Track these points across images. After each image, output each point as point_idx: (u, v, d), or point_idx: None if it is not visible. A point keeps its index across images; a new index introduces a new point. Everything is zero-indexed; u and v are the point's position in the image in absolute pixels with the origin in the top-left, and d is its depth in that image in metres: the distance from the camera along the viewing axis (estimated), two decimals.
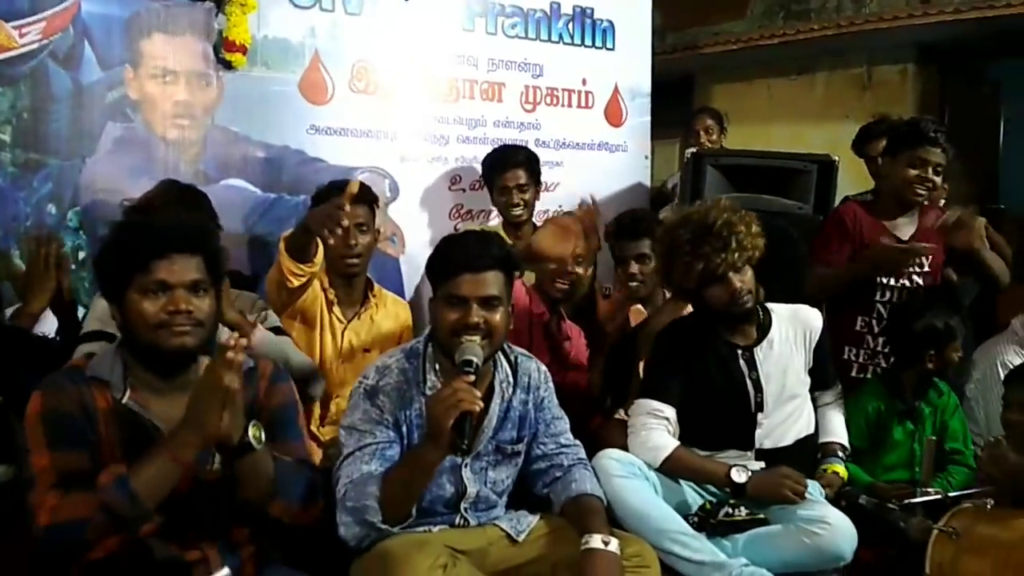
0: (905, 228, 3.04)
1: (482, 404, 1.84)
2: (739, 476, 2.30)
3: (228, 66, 3.07)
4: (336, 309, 2.80)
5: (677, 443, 2.39)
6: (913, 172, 2.93)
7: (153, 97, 2.99)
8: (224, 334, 2.04)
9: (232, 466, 1.69)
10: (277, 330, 2.54)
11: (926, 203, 3.03)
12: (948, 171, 2.99)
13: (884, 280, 2.99)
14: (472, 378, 1.87)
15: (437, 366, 2.08)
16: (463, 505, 2.08)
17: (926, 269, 2.99)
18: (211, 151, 3.08)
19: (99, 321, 2.30)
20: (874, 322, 3.01)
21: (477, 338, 1.96)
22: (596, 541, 1.94)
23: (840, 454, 2.56)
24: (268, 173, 3.18)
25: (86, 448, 1.65)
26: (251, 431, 1.68)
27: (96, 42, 2.90)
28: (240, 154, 3.13)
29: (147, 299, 1.69)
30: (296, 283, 2.58)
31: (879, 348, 3.01)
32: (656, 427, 2.40)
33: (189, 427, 1.61)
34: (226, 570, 1.48)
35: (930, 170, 2.92)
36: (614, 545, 1.95)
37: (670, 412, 2.43)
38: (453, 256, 2.04)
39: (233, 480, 1.70)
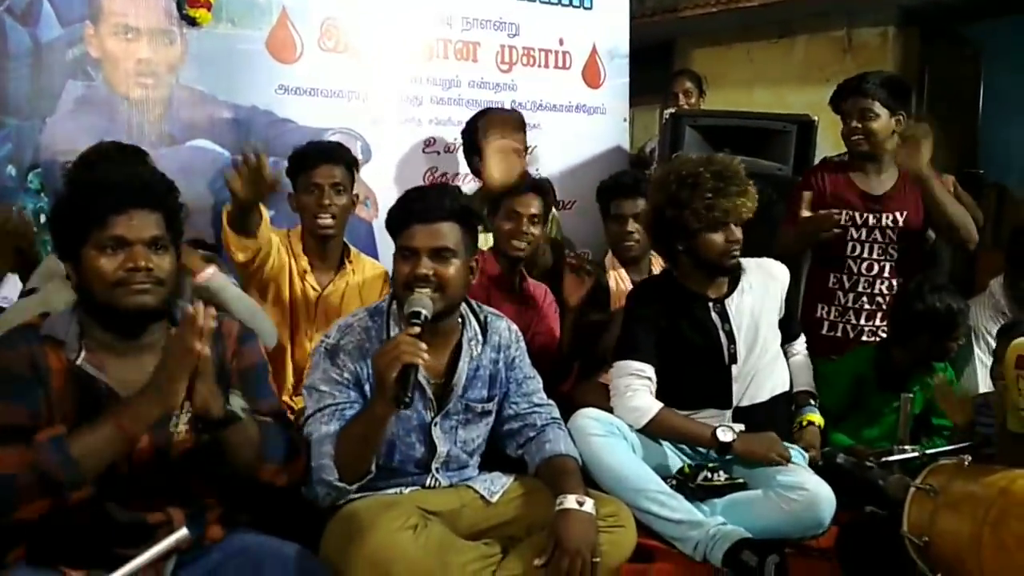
0: (879, 183, 3.02)
1: (426, 357, 1.77)
2: (725, 435, 2.30)
3: (192, 23, 2.98)
4: (309, 277, 2.72)
5: (661, 405, 2.37)
6: (844, 127, 3.01)
7: (115, 55, 2.90)
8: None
9: (216, 438, 1.65)
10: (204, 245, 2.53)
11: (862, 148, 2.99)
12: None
13: (855, 235, 2.98)
14: (417, 330, 1.82)
15: (401, 323, 2.03)
16: (434, 465, 2.06)
17: (900, 225, 2.96)
18: (176, 111, 3.00)
19: (40, 277, 2.24)
20: (845, 278, 3.01)
21: (428, 290, 1.93)
22: (571, 501, 1.93)
23: (812, 402, 2.58)
24: (236, 134, 3.09)
25: (31, 405, 1.59)
26: (236, 402, 1.65)
27: None
28: (206, 114, 3.05)
29: (104, 256, 1.63)
30: (242, 257, 2.51)
31: (850, 305, 3.01)
32: (640, 388, 2.38)
33: (149, 398, 1.56)
34: (184, 531, 1.43)
35: (855, 119, 2.95)
36: (589, 505, 1.93)
37: (651, 371, 2.41)
38: (407, 207, 2.01)
39: (214, 450, 1.66)
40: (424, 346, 1.78)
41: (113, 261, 1.63)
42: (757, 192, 2.42)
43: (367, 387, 1.98)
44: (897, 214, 2.96)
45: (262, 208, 2.47)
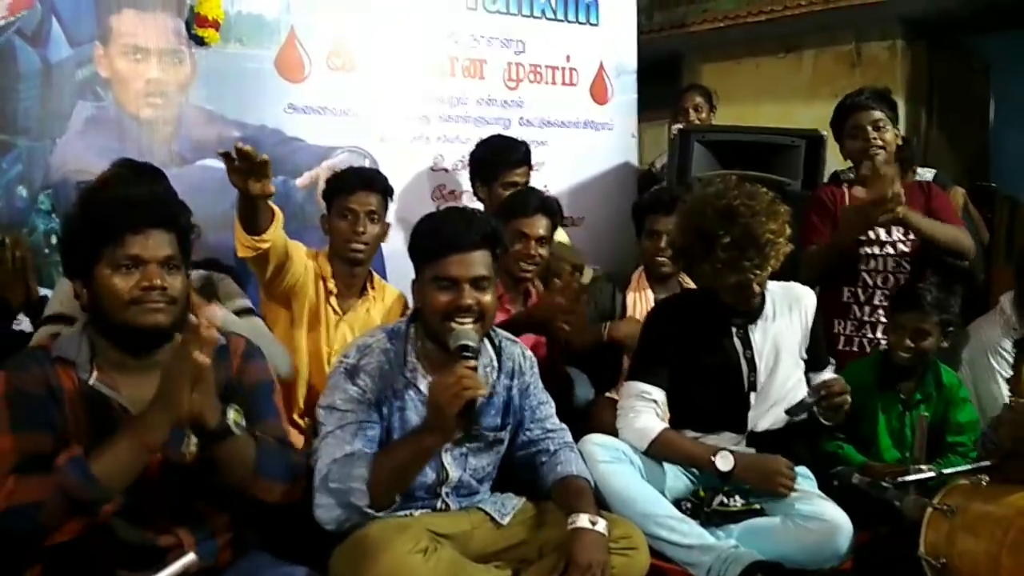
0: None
1: (486, 390, 1.78)
2: (723, 464, 2.25)
3: (201, 42, 2.99)
4: (333, 300, 2.70)
5: (664, 425, 2.34)
6: (855, 142, 2.99)
7: (124, 75, 2.91)
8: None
9: (209, 450, 1.63)
10: (247, 311, 2.48)
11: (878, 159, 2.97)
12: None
13: (868, 249, 2.97)
14: (473, 363, 1.82)
15: (420, 347, 2.03)
16: (444, 490, 2.04)
17: (910, 236, 2.94)
18: (185, 131, 3.01)
19: (60, 304, 2.23)
20: (860, 292, 2.99)
21: (469, 321, 1.91)
22: (583, 521, 1.91)
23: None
24: None
25: (51, 430, 1.59)
26: (231, 415, 1.63)
27: (64, 18, 2.83)
28: (215, 133, 3.05)
29: (118, 274, 1.63)
30: (244, 254, 2.47)
31: (866, 318, 2.99)
32: (644, 410, 2.35)
33: (158, 408, 1.55)
34: (192, 556, 1.42)
35: (870, 129, 2.95)
36: (601, 526, 1.92)
37: (659, 394, 2.38)
38: (440, 235, 1.97)
39: (211, 463, 1.64)
40: (482, 378, 1.78)
41: (128, 280, 1.63)
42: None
43: (384, 409, 1.97)
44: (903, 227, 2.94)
45: (275, 209, 2.44)
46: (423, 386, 1.98)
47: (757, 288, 2.29)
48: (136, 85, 2.92)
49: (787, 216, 2.26)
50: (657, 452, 2.33)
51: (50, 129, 2.81)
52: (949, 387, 2.67)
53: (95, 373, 1.65)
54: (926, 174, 3.59)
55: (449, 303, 1.92)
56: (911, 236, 2.94)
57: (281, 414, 1.89)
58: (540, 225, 2.84)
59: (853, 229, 2.89)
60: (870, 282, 2.97)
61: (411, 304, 2.48)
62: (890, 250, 2.96)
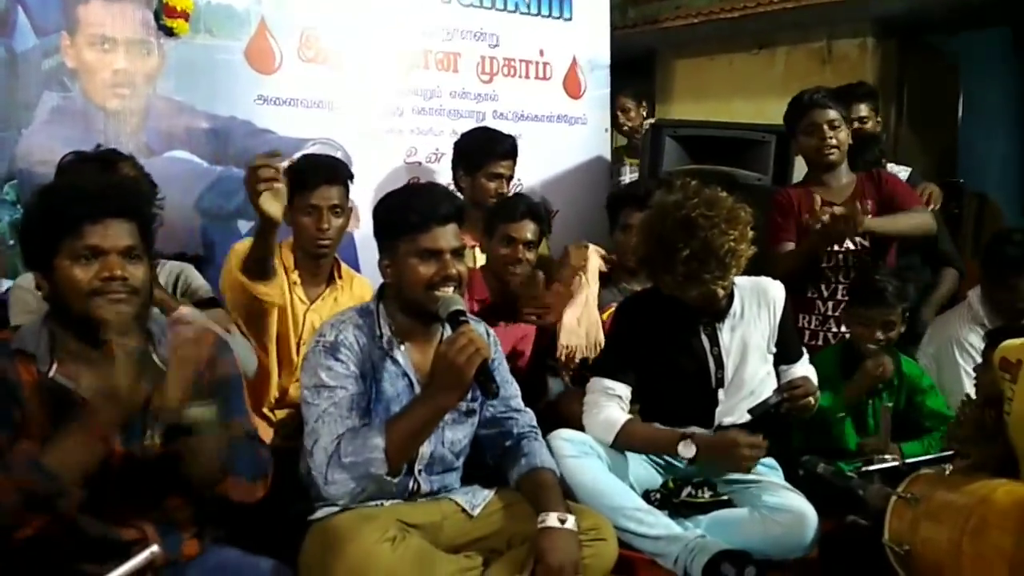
0: (839, 192, 3.06)
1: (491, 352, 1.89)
2: (686, 451, 2.26)
3: (170, 33, 2.96)
4: (298, 290, 2.69)
5: (628, 416, 2.36)
6: (811, 140, 3.05)
7: (91, 65, 2.88)
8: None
9: (177, 443, 1.62)
10: (209, 302, 2.46)
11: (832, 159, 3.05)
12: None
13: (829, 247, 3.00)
14: (472, 325, 1.90)
15: (392, 321, 2.06)
16: (417, 466, 2.05)
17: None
18: (153, 122, 2.97)
19: (25, 314, 2.20)
20: (823, 287, 3.03)
21: (451, 289, 1.97)
22: (552, 520, 1.93)
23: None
24: (214, 144, 3.07)
25: (5, 427, 1.57)
26: (200, 411, 1.61)
27: (30, 8, 2.79)
28: (184, 125, 3.03)
29: (78, 265, 1.61)
30: (234, 297, 2.45)
31: (829, 313, 3.03)
32: (607, 405, 2.37)
33: (110, 394, 1.53)
34: (156, 547, 1.41)
35: (825, 128, 3.00)
36: (571, 522, 1.93)
37: (623, 390, 2.40)
38: (420, 209, 2.01)
39: (176, 456, 1.63)
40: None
41: (88, 271, 1.61)
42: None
43: (367, 381, 2.00)
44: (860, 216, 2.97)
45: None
46: (399, 357, 2.04)
47: (722, 292, 2.29)
48: (103, 75, 2.89)
49: (749, 219, 2.26)
50: (623, 443, 2.35)
51: (16, 119, 2.77)
52: (910, 376, 2.72)
53: (55, 365, 1.63)
54: (900, 172, 3.62)
55: (435, 273, 1.98)
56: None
57: (249, 410, 1.89)
58: (528, 229, 2.84)
59: (822, 247, 2.94)
60: (832, 278, 3.02)
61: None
62: (849, 245, 3.00)
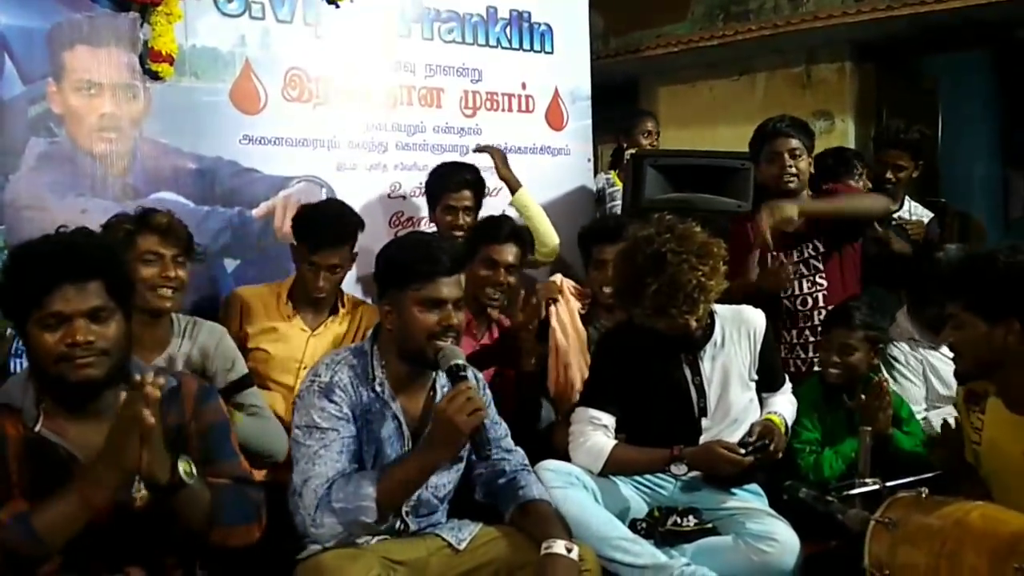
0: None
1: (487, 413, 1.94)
2: (678, 469, 2.33)
3: (155, 77, 2.99)
4: (297, 319, 2.77)
5: (614, 442, 2.39)
6: (772, 167, 3.06)
7: (78, 111, 2.91)
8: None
9: (165, 502, 1.63)
10: (245, 380, 2.50)
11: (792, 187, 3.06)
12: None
13: (783, 274, 3.02)
14: (473, 383, 1.95)
15: (385, 365, 2.09)
16: (404, 508, 2.07)
17: (821, 251, 3.03)
18: (140, 164, 3.00)
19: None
20: (785, 318, 3.05)
21: (450, 340, 2.01)
22: (559, 547, 1.95)
23: (780, 414, 2.50)
24: (200, 185, 3.11)
25: None
26: (181, 467, 1.61)
27: (16, 55, 2.81)
28: (170, 166, 3.06)
29: (46, 332, 1.61)
30: None
31: (795, 340, 3.06)
32: (593, 433, 2.41)
33: (104, 465, 1.54)
34: None
35: (786, 157, 3.02)
36: (575, 553, 1.95)
37: (608, 420, 2.43)
38: (427, 258, 2.05)
39: (167, 513, 1.64)
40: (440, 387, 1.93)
41: (54, 336, 1.60)
42: (717, 232, 2.41)
43: (358, 424, 2.03)
44: (815, 241, 3.03)
45: None
46: (390, 400, 2.06)
47: (695, 324, 2.32)
48: (90, 120, 2.92)
49: (723, 254, 2.31)
50: (612, 468, 2.38)
51: (3, 166, 2.79)
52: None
53: (42, 420, 1.64)
54: (924, 217, 3.63)
55: (437, 323, 2.01)
56: (820, 250, 3.04)
57: (239, 454, 1.88)
58: (511, 252, 2.88)
59: (765, 288, 2.97)
60: (790, 306, 3.05)
61: None
62: (803, 268, 3.05)
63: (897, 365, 2.85)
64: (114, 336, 1.66)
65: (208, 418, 1.82)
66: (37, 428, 1.63)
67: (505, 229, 2.94)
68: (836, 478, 2.54)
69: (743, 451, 2.30)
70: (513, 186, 3.44)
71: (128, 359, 1.73)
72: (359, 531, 1.93)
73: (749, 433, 2.35)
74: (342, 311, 2.84)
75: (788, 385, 2.67)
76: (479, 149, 3.48)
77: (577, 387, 2.94)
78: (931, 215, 3.76)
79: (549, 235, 3.45)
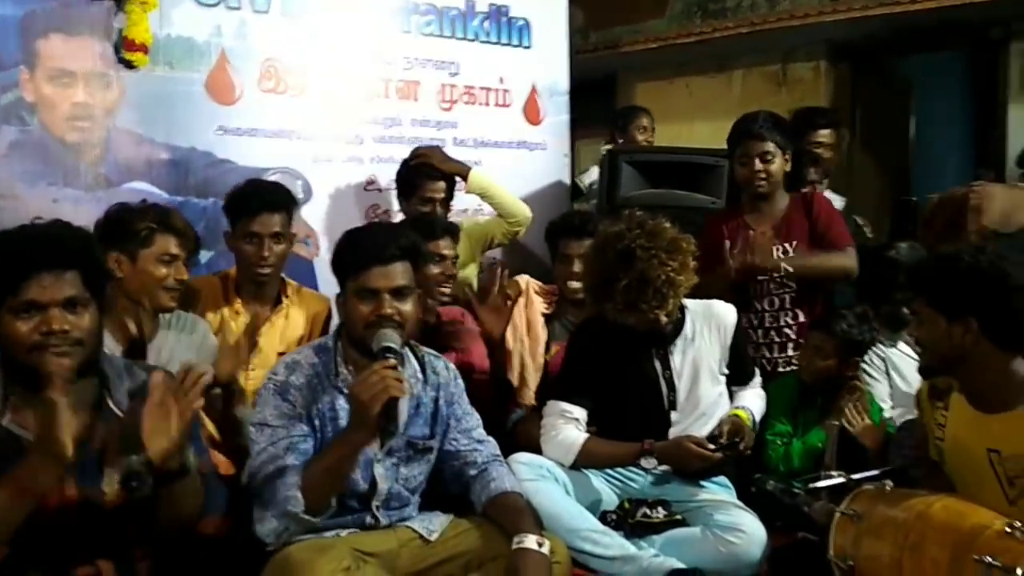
0: (770, 220, 3.08)
1: (407, 389, 1.88)
2: (648, 463, 2.37)
3: (129, 66, 2.97)
4: (242, 318, 2.71)
5: (586, 435, 2.41)
6: (743, 169, 3.06)
7: (50, 99, 2.88)
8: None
9: (167, 488, 1.63)
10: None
11: (761, 190, 3.07)
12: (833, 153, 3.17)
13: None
14: (394, 362, 1.89)
15: (348, 358, 2.08)
16: (374, 503, 2.07)
17: (791, 254, 3.03)
18: (113, 154, 2.98)
19: None
20: (752, 317, 3.06)
21: (390, 329, 1.98)
22: (530, 541, 1.95)
23: (747, 408, 2.53)
24: (174, 175, 3.09)
25: None
26: (190, 455, 1.64)
27: None
28: (144, 156, 3.03)
29: (19, 320, 1.60)
30: None
31: (761, 340, 3.07)
32: (565, 427, 2.43)
33: (38, 453, 1.53)
34: None
35: (756, 162, 3.01)
36: (547, 548, 1.96)
37: (580, 413, 2.45)
38: (361, 249, 2.05)
39: (152, 503, 1.64)
40: (404, 378, 1.87)
41: (28, 324, 1.60)
42: (691, 227, 2.44)
43: (316, 422, 2.02)
44: (787, 245, 3.03)
45: None
46: None
47: (665, 319, 2.34)
48: (62, 109, 2.89)
49: (692, 249, 2.34)
50: (584, 462, 2.40)
51: None
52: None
53: (9, 414, 1.63)
54: (836, 201, 3.68)
55: (371, 312, 2.00)
56: (791, 254, 3.02)
57: (207, 449, 1.91)
58: (447, 246, 2.89)
59: (736, 278, 2.98)
60: (758, 307, 3.06)
61: (335, 315, 2.51)
62: (774, 273, 3.04)
63: (863, 364, 2.89)
64: (88, 327, 1.65)
65: None
66: (4, 422, 1.62)
67: (437, 225, 2.95)
68: (804, 470, 2.58)
69: (712, 447, 2.33)
70: (463, 173, 3.40)
71: (100, 351, 1.72)
72: (293, 524, 1.90)
73: (718, 430, 2.38)
74: (285, 301, 2.79)
75: (758, 379, 2.70)
76: (414, 157, 3.37)
77: (528, 385, 2.97)
78: (843, 200, 3.79)
79: (515, 206, 3.47)
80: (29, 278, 1.60)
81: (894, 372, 2.90)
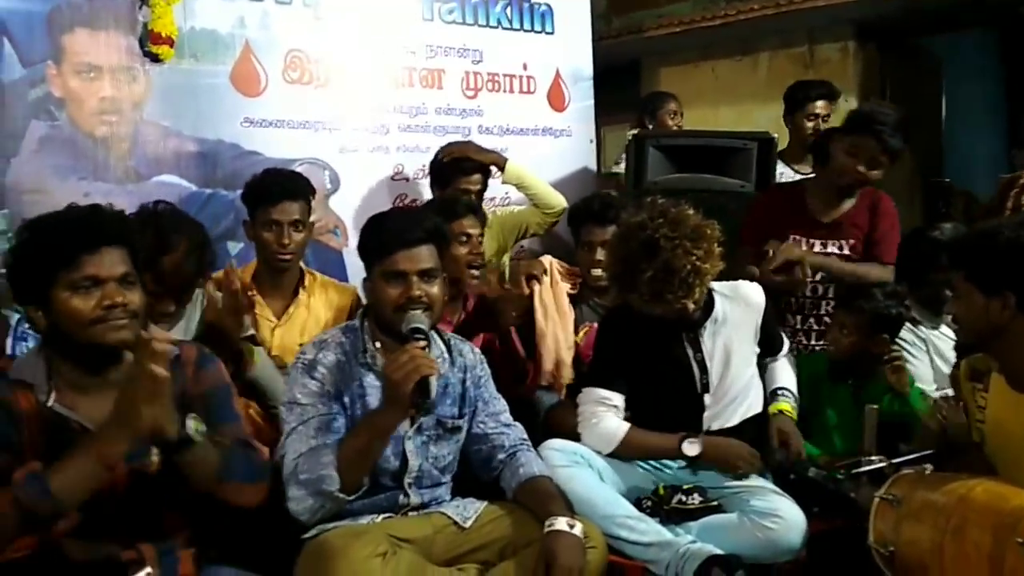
0: (833, 211, 2.99)
1: (438, 369, 1.90)
2: (691, 450, 2.34)
3: (155, 59, 2.98)
4: (264, 310, 2.71)
5: (628, 425, 2.39)
6: (848, 159, 2.87)
7: (78, 94, 2.89)
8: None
9: (172, 460, 1.65)
10: (252, 338, 2.46)
11: (852, 189, 2.98)
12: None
13: None
14: (424, 343, 1.92)
15: (376, 341, 2.10)
16: (406, 480, 2.09)
17: (845, 252, 2.98)
18: (141, 147, 2.99)
19: None
20: (793, 301, 3.03)
21: (419, 311, 2.00)
22: (561, 524, 1.96)
23: (783, 393, 2.56)
24: (202, 168, 3.10)
25: (8, 449, 1.60)
26: (191, 425, 1.64)
27: (16, 39, 2.80)
28: (172, 149, 3.05)
29: (78, 296, 1.63)
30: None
31: (799, 327, 3.05)
32: (605, 414, 2.40)
33: (116, 424, 1.55)
34: (149, 569, 1.43)
35: (866, 164, 2.84)
36: (578, 529, 1.97)
37: (618, 399, 2.43)
38: (387, 233, 2.07)
39: (174, 473, 1.66)
40: (433, 358, 1.90)
41: (88, 300, 1.63)
42: (720, 212, 2.43)
43: (346, 399, 2.04)
44: (843, 243, 2.97)
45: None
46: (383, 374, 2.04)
47: (692, 306, 2.31)
48: (90, 103, 2.91)
49: (716, 236, 2.29)
50: (625, 452, 2.39)
51: (4, 149, 2.78)
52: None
53: (53, 395, 1.66)
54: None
55: (400, 295, 2.02)
56: (844, 251, 2.97)
57: (241, 417, 1.91)
58: (472, 225, 2.86)
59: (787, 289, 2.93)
60: (801, 292, 3.01)
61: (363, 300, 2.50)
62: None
63: (904, 345, 2.86)
64: (139, 303, 1.70)
65: (209, 382, 1.84)
66: (49, 403, 1.65)
67: (460, 204, 2.92)
68: (841, 454, 2.55)
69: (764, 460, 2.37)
70: (499, 163, 3.41)
71: (146, 328, 1.75)
72: (328, 503, 1.92)
73: (777, 448, 2.43)
74: (303, 293, 2.79)
75: (787, 344, 2.71)
76: (447, 155, 3.33)
77: (567, 364, 2.94)
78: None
79: (551, 196, 3.44)
80: (89, 252, 1.64)
81: (936, 355, 2.86)
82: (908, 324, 2.91)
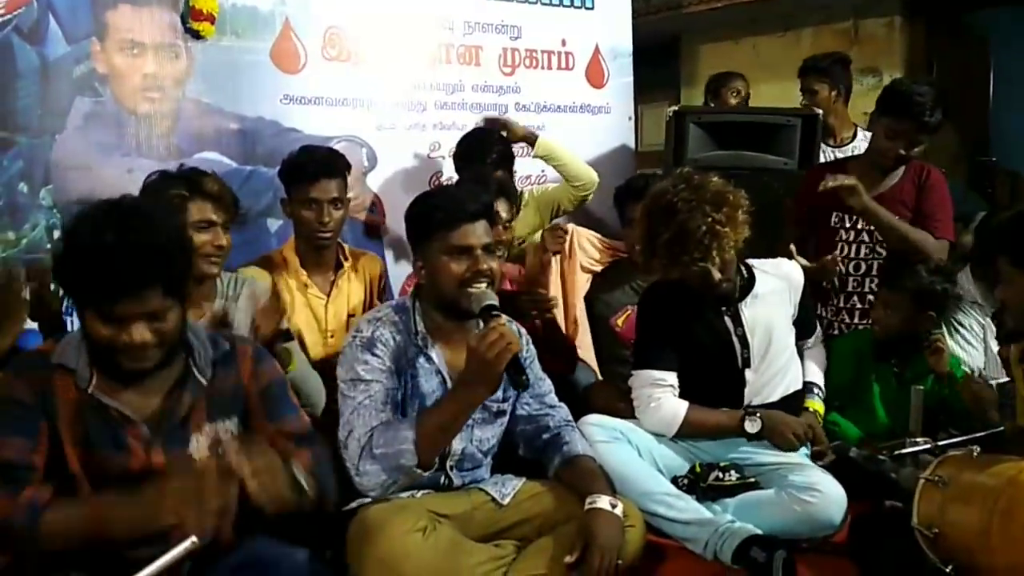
0: (875, 187, 2.93)
1: (521, 346, 1.93)
2: (752, 427, 2.33)
3: (197, 36, 2.99)
4: (312, 289, 2.73)
5: (687, 404, 2.37)
6: (887, 142, 2.87)
7: (121, 70, 2.91)
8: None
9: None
10: (287, 333, 2.44)
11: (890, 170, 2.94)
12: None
13: (844, 236, 2.99)
14: (504, 320, 1.92)
15: (427, 319, 2.10)
16: (448, 462, 2.09)
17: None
18: (183, 124, 3.01)
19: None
20: (836, 280, 2.99)
21: (483, 285, 2.00)
22: (603, 502, 1.97)
23: (815, 391, 2.58)
24: (243, 145, 3.11)
25: (28, 435, 1.59)
26: (298, 473, 1.60)
27: (61, 15, 2.82)
28: (213, 126, 3.06)
29: (105, 326, 1.59)
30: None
31: (842, 305, 3.02)
32: (663, 395, 2.39)
33: (133, 504, 1.54)
34: (193, 538, 1.44)
35: (904, 145, 2.83)
36: (619, 509, 1.97)
37: (672, 378, 2.42)
38: (449, 207, 2.06)
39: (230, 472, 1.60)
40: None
41: (109, 329, 1.59)
42: (763, 189, 2.41)
43: (401, 377, 2.05)
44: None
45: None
46: (433, 354, 2.07)
47: (718, 275, 2.28)
48: (133, 80, 2.93)
49: (740, 203, 2.26)
50: (687, 432, 2.38)
51: (49, 125, 2.81)
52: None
53: (95, 381, 1.65)
54: None
55: (467, 270, 2.01)
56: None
57: (298, 407, 1.89)
58: (503, 208, 2.81)
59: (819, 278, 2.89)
60: (844, 270, 2.98)
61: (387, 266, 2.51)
62: (865, 237, 2.97)
63: (961, 330, 2.82)
64: (170, 328, 1.64)
65: (267, 377, 1.83)
66: (90, 390, 1.65)
67: (494, 184, 2.89)
68: (881, 433, 2.52)
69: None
70: (530, 139, 3.41)
71: (184, 332, 1.72)
72: (402, 478, 1.93)
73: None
74: (347, 265, 2.80)
75: (819, 330, 2.71)
76: (488, 125, 3.39)
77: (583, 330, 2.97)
78: None
79: (582, 170, 3.44)
80: (118, 299, 1.57)
81: (993, 340, 2.81)
82: (970, 307, 2.87)
